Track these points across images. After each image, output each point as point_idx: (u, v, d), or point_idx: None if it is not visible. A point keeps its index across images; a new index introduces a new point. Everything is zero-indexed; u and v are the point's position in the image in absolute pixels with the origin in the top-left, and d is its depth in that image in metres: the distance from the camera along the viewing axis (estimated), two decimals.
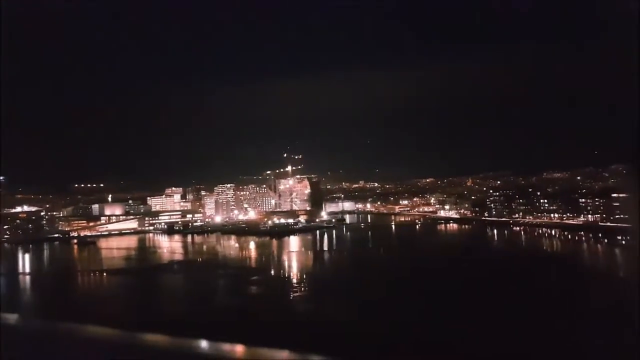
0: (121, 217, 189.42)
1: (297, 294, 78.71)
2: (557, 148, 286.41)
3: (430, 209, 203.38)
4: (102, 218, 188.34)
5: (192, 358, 4.24)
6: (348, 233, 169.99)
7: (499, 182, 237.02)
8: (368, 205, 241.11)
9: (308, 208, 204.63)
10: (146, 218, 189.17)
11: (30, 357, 4.43)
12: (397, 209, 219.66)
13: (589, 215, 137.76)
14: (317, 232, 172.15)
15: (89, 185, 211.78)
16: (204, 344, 4.49)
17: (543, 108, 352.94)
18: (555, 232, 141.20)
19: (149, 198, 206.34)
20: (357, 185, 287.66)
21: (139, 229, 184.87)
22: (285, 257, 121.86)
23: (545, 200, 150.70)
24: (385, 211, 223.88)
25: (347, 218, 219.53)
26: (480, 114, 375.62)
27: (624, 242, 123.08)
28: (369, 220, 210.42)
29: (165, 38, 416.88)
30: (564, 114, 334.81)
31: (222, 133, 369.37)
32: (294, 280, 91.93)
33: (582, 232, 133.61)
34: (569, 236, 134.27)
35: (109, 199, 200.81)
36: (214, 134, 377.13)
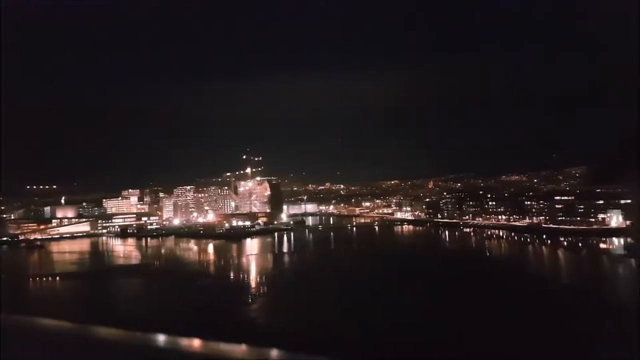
0: (73, 219, 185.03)
1: (234, 297, 78.37)
2: (520, 151, 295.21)
3: (389, 211, 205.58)
4: (53, 221, 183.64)
5: (191, 357, 4.23)
6: (304, 235, 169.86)
7: (459, 184, 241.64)
8: (331, 207, 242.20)
9: (268, 210, 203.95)
10: (99, 221, 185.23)
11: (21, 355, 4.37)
12: (357, 210, 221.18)
13: (534, 217, 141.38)
14: (276, 234, 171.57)
15: (42, 187, 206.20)
16: (200, 343, 4.37)
17: (509, 111, 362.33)
18: (501, 233, 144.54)
19: (104, 200, 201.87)
20: (323, 187, 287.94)
21: (92, 232, 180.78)
22: (231, 261, 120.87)
23: (494, 203, 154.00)
24: (346, 213, 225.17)
25: (310, 220, 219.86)
26: (447, 117, 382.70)
27: (565, 243, 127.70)
28: (330, 222, 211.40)
29: (121, 35, 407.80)
30: (530, 117, 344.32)
31: (183, 134, 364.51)
32: (235, 284, 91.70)
33: (527, 234, 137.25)
34: (515, 237, 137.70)
35: (62, 201, 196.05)
36: (174, 135, 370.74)
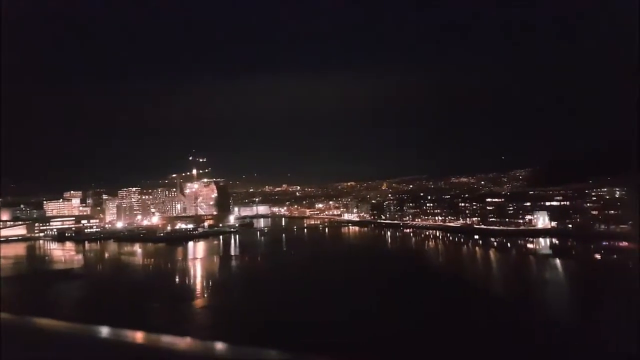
0: (8, 223, 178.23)
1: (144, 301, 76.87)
2: (471, 153, 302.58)
3: (338, 212, 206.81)
4: None
5: (192, 358, 4.15)
6: (247, 238, 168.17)
7: (411, 186, 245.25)
8: (283, 209, 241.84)
9: (215, 213, 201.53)
10: (36, 224, 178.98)
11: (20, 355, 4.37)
12: (308, 212, 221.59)
13: (467, 218, 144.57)
14: (221, 237, 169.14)
15: None
16: (202, 343, 4.06)
17: (465, 113, 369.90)
18: (438, 233, 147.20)
19: (45, 202, 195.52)
20: (279, 189, 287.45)
21: (28, 235, 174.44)
22: (157, 265, 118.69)
23: (431, 204, 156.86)
24: (297, 214, 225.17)
25: (261, 222, 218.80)
26: (406, 119, 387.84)
27: (495, 243, 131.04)
28: (282, 224, 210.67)
29: (67, 33, 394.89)
30: (485, 119, 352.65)
31: (131, 134, 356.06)
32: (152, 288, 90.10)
33: (460, 234, 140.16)
34: (450, 238, 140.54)
35: None
36: (122, 135, 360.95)
